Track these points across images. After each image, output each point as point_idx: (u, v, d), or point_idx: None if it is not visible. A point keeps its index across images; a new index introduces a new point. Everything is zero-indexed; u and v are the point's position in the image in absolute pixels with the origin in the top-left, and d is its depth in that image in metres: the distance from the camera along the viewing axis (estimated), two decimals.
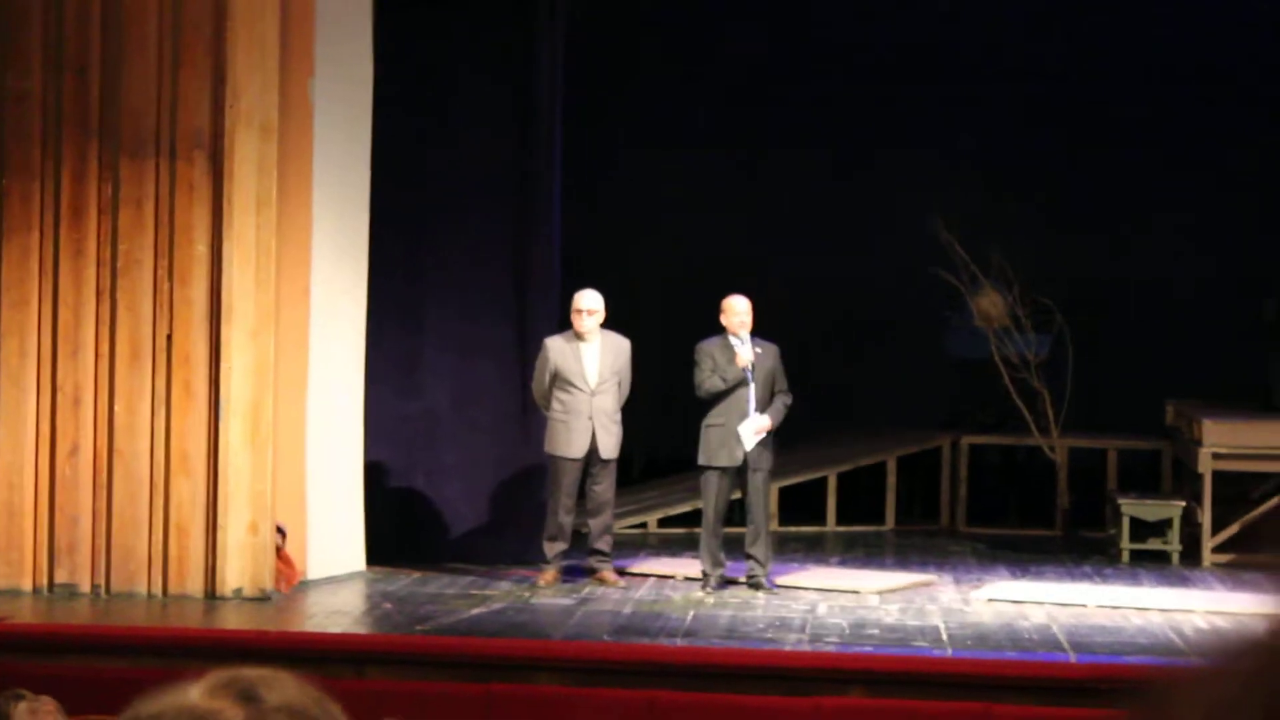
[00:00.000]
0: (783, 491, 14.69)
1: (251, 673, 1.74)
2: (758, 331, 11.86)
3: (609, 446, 12.05)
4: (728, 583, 11.89)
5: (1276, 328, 14.86)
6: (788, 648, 10.13)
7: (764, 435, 11.74)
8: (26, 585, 11.43)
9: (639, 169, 16.40)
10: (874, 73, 16.37)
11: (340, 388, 12.25)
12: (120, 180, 11.40)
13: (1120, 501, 13.73)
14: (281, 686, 1.73)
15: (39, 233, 11.45)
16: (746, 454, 11.72)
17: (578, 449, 11.99)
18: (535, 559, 12.22)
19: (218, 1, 11.27)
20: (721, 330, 11.86)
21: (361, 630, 10.82)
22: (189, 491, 11.32)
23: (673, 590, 11.94)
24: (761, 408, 11.75)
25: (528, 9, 12.81)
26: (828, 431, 15.77)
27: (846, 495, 15.26)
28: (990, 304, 14.67)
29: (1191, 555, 13.42)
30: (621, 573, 12.33)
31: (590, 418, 11.99)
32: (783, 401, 11.86)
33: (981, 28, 16.19)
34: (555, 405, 12.05)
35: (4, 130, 11.47)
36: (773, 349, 11.88)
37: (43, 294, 11.45)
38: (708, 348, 11.83)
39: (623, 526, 13.78)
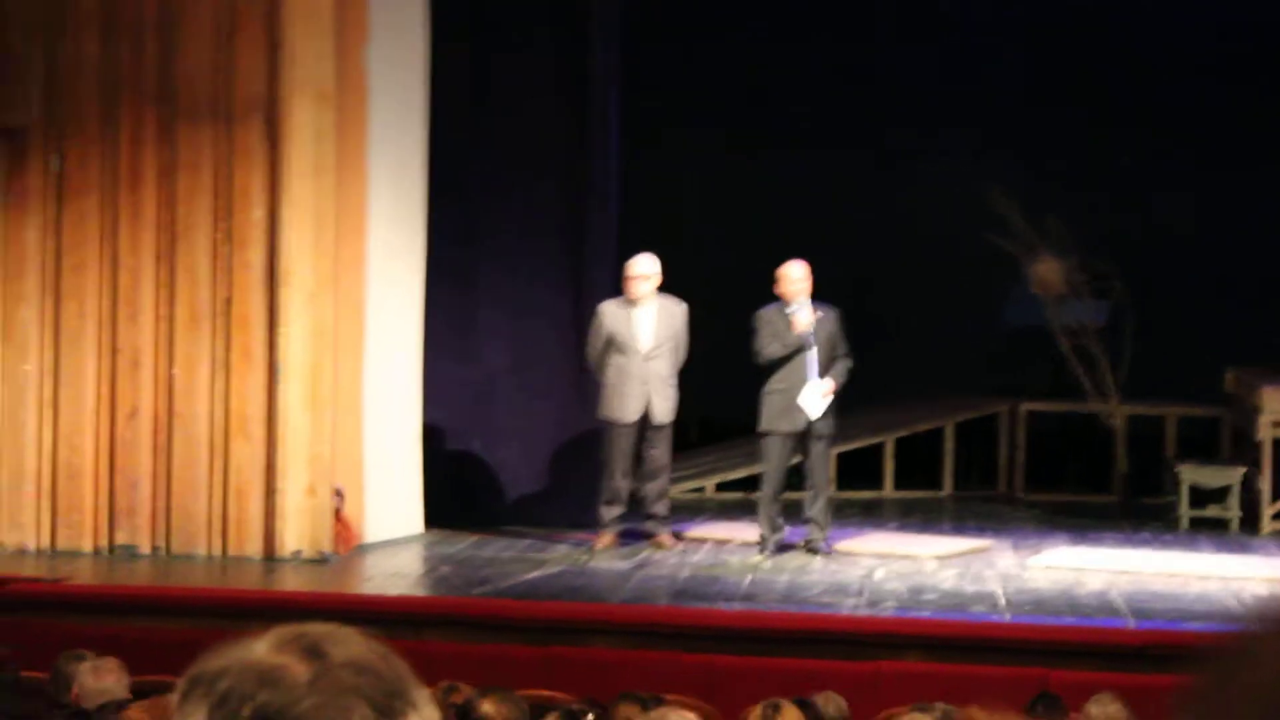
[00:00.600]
0: (840, 456, 14.64)
1: (317, 629, 1.74)
2: (818, 296, 11.81)
3: (664, 411, 12.03)
4: (785, 548, 11.88)
5: None
6: (845, 612, 10.12)
7: (828, 399, 11.70)
8: (87, 547, 11.51)
9: (698, 133, 16.32)
10: (934, 38, 16.28)
11: (397, 351, 12.27)
12: (178, 145, 11.43)
13: (1179, 468, 13.66)
14: (347, 642, 1.73)
15: (98, 197, 11.49)
16: (810, 421, 11.69)
17: (631, 413, 11.98)
18: (592, 522, 12.22)
19: None
20: (779, 299, 11.82)
21: (419, 593, 10.85)
22: (248, 454, 11.36)
23: (730, 554, 11.94)
24: (823, 373, 11.71)
25: None
26: (886, 397, 15.72)
27: (904, 460, 15.23)
28: (1049, 270, 14.54)
29: (1250, 522, 13.36)
30: (679, 537, 12.33)
31: (644, 382, 11.98)
32: (844, 365, 11.83)
33: None
34: (609, 370, 12.04)
35: (63, 95, 11.51)
36: (833, 314, 11.83)
37: (102, 258, 11.50)
38: (766, 315, 11.79)
39: (680, 491, 13.78)
